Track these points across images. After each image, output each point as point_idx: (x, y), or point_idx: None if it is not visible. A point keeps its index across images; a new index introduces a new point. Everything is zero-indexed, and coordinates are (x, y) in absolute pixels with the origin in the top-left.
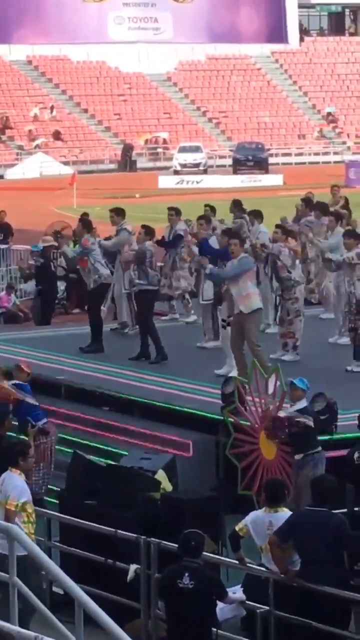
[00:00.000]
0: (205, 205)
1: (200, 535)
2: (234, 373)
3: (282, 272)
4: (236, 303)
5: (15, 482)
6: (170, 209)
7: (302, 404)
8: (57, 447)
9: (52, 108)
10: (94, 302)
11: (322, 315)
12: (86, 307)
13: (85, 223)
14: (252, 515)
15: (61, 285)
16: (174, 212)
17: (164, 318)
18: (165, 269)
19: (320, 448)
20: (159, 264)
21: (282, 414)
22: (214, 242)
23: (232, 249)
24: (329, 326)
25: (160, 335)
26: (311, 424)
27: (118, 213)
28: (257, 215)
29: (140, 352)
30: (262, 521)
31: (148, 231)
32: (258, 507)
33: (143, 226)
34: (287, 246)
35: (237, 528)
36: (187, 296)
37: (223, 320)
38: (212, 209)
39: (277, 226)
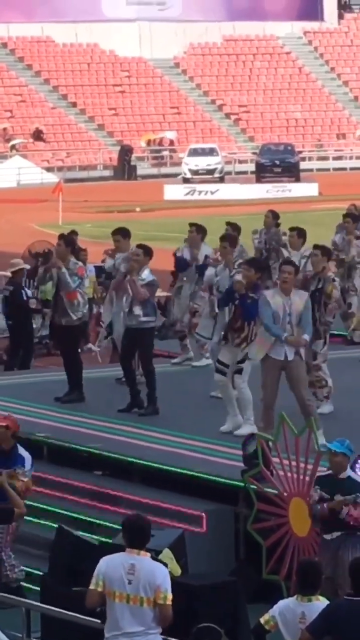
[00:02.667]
0: (227, 224)
1: (216, 630)
2: (244, 429)
3: (329, 315)
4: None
5: (162, 570)
6: (192, 225)
7: (346, 474)
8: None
9: None
10: (75, 342)
11: None
12: (61, 349)
13: (69, 242)
14: (281, 605)
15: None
16: (195, 230)
17: (174, 361)
18: (181, 298)
19: None
20: (164, 293)
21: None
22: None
23: (286, 277)
24: None
25: (159, 383)
26: None
27: (125, 235)
28: (301, 234)
29: (131, 402)
30: (293, 612)
31: (147, 252)
32: (288, 595)
33: (140, 246)
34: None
35: (262, 621)
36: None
37: (222, 364)
38: (235, 228)
39: (317, 247)
